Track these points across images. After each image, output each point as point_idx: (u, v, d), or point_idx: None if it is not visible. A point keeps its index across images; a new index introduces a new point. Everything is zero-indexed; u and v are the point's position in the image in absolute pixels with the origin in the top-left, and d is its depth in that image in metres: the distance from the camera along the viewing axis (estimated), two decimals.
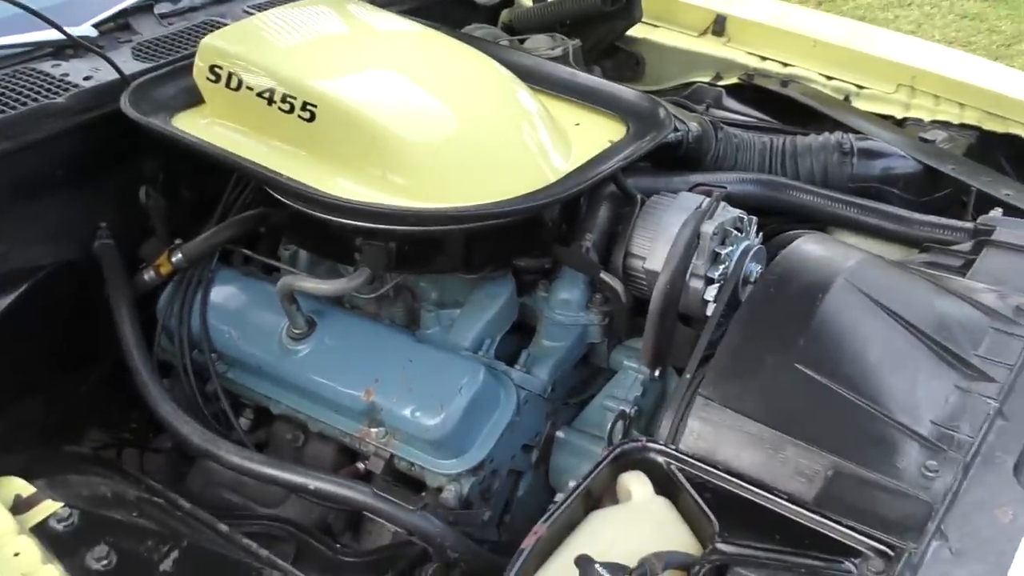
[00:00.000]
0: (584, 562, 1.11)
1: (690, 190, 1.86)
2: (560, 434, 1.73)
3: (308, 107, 1.60)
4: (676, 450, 1.28)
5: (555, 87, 1.92)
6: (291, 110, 1.61)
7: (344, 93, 1.61)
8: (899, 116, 2.26)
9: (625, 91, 1.88)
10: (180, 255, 1.79)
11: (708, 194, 1.78)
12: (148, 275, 1.81)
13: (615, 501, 1.30)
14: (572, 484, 1.26)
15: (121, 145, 1.82)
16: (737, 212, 1.72)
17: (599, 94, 1.88)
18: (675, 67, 2.49)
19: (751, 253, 1.69)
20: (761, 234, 1.79)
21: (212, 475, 1.79)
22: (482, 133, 1.66)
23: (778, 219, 1.98)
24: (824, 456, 1.28)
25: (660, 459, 1.28)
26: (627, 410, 1.69)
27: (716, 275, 1.66)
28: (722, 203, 1.72)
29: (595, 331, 1.77)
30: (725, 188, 1.85)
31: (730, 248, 1.67)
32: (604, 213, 1.78)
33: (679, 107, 2.20)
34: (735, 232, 1.70)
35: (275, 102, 1.62)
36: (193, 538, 1.25)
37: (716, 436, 1.34)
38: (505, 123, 1.69)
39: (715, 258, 1.67)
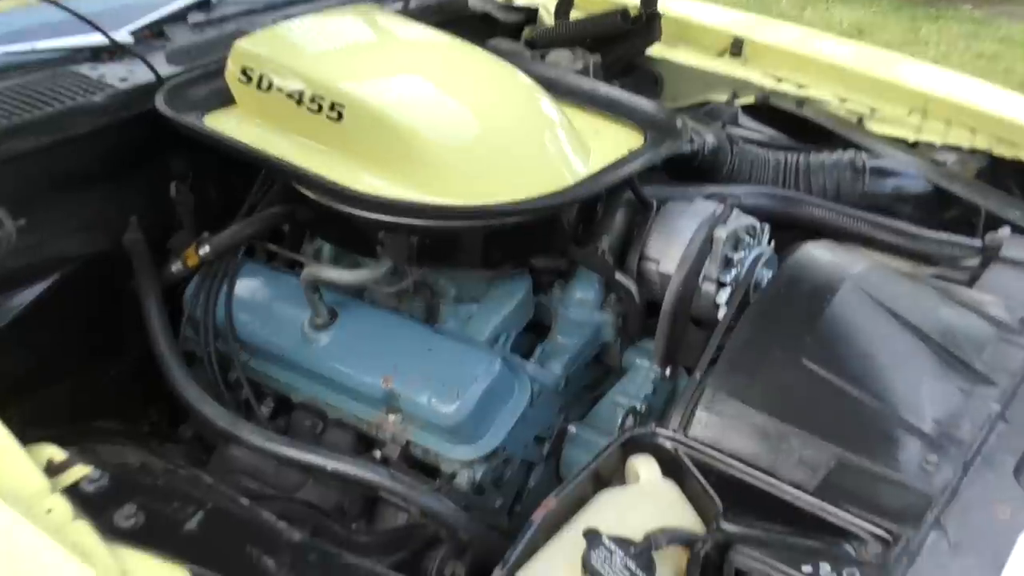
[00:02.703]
0: (592, 535, 1.15)
1: (705, 199, 1.91)
2: (572, 428, 1.77)
3: (336, 107, 1.66)
4: (683, 436, 1.32)
5: (577, 97, 1.98)
6: (319, 110, 1.68)
7: (371, 94, 1.68)
8: (911, 139, 2.31)
9: (643, 102, 1.94)
10: (207, 248, 1.84)
11: (723, 202, 1.84)
12: (176, 267, 1.87)
13: (623, 484, 1.34)
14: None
15: (153, 143, 1.88)
16: (750, 220, 1.78)
17: (618, 105, 1.94)
18: (693, 86, 2.55)
19: (763, 260, 1.74)
20: (773, 243, 1.83)
21: (231, 462, 1.82)
22: (503, 135, 1.71)
23: (790, 233, 2.03)
24: (827, 447, 1.32)
25: (668, 444, 1.33)
26: (637, 406, 1.73)
27: (728, 279, 1.70)
28: (735, 210, 1.77)
29: (608, 330, 1.82)
30: (739, 198, 1.90)
31: (742, 254, 1.72)
32: (620, 218, 1.83)
33: (696, 122, 2.26)
34: (748, 238, 1.75)
35: (304, 103, 1.69)
36: (218, 503, 1.29)
37: (723, 426, 1.38)
38: (526, 127, 1.75)
39: (727, 263, 1.72)
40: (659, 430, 1.33)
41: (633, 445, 1.33)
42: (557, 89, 1.97)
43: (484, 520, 1.60)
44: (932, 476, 1.29)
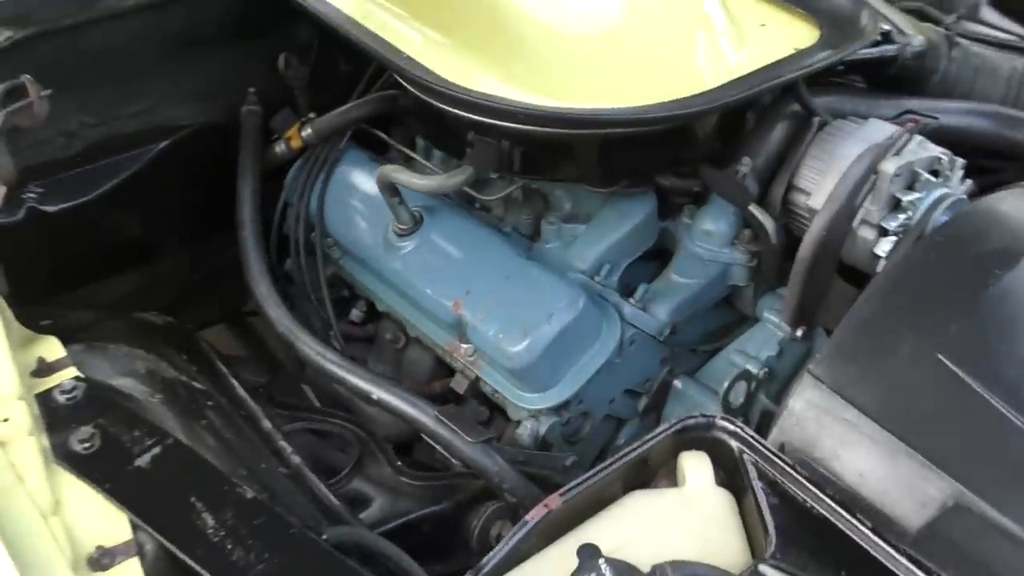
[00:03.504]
0: (587, 552, 0.91)
1: (897, 117, 1.52)
2: (677, 383, 1.50)
3: None
4: (750, 435, 1.03)
5: None
6: None
7: None
8: None
9: None
10: (310, 130, 1.69)
11: (914, 123, 1.45)
12: (279, 148, 1.74)
13: (673, 483, 1.07)
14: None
15: (275, 10, 1.73)
16: (938, 151, 1.38)
17: None
18: None
19: (945, 204, 1.35)
20: (969, 182, 1.42)
21: None
22: (631, 25, 1.42)
23: (1014, 166, 1.59)
24: (947, 481, 0.98)
25: (732, 442, 1.04)
26: (754, 370, 1.43)
27: (893, 226, 1.34)
28: (919, 138, 1.38)
29: (739, 272, 1.50)
30: (936, 119, 1.49)
31: (918, 195, 1.34)
32: (779, 134, 1.48)
33: (919, 16, 1.82)
34: (928, 176, 1.35)
35: None
36: (205, 423, 1.18)
37: (818, 426, 1.07)
38: (662, 15, 1.44)
39: (895, 205, 1.35)
40: (721, 421, 1.04)
41: (687, 436, 1.05)
42: None
43: (551, 479, 1.39)
44: None
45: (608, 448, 1.53)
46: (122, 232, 1.79)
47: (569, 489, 0.99)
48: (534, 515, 0.98)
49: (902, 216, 1.34)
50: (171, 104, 1.74)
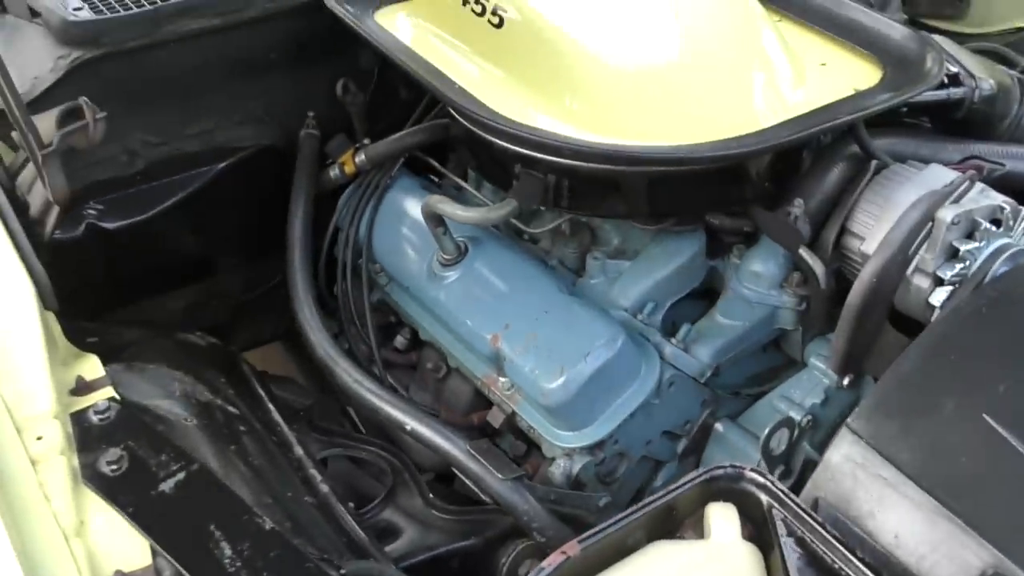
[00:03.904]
0: None
1: (961, 162, 1.48)
2: (719, 427, 1.46)
3: (498, 11, 1.44)
4: (780, 489, 0.99)
5: (811, 17, 1.58)
6: (482, 12, 1.47)
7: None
8: None
9: (893, 28, 1.51)
10: (363, 156, 1.70)
11: (978, 169, 1.41)
12: (333, 172, 1.76)
13: (700, 533, 1.04)
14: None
15: (336, 36, 1.75)
16: (1000, 199, 1.33)
17: (858, 30, 1.52)
18: (1009, 5, 1.99)
19: (1006, 255, 1.30)
20: None
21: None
22: (686, 62, 1.40)
23: None
24: (988, 549, 0.93)
25: (762, 496, 1.00)
26: (796, 417, 1.38)
27: (949, 275, 1.29)
28: (981, 185, 1.33)
29: (787, 316, 1.46)
30: (1003, 165, 1.44)
31: (976, 245, 1.29)
32: (833, 177, 1.44)
33: (994, 56, 1.76)
34: (988, 225, 1.30)
35: (469, 2, 1.48)
36: (236, 448, 1.18)
37: (854, 483, 1.03)
38: (718, 52, 1.41)
39: (952, 254, 1.30)
40: (751, 473, 1.01)
41: (716, 486, 1.02)
42: (790, 7, 1.60)
43: (583, 519, 1.36)
44: None
45: (645, 489, 1.50)
46: (178, 250, 1.82)
47: (588, 536, 0.97)
48: (551, 561, 0.96)
49: (959, 266, 1.29)
50: (232, 126, 1.77)
